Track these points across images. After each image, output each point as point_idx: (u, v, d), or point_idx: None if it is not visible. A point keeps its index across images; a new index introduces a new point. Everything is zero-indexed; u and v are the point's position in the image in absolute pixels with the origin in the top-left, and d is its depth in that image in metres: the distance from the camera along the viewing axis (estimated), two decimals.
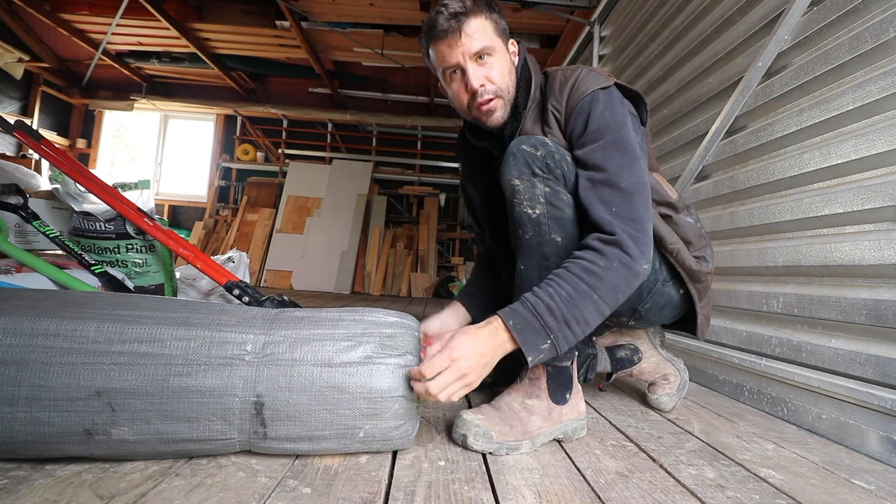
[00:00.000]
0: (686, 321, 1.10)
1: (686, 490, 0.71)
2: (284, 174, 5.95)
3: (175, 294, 1.84)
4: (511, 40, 1.00)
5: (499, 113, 0.97)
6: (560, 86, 0.95)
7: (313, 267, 5.40)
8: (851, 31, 1.10)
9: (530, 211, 0.87)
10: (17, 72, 4.87)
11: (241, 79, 5.77)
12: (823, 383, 1.04)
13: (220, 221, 5.89)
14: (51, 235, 1.53)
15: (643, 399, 1.23)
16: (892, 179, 0.96)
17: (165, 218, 5.55)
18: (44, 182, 1.90)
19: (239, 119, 6.18)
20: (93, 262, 1.55)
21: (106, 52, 5.12)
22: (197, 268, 1.72)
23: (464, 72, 0.93)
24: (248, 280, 1.97)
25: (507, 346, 0.79)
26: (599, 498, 0.67)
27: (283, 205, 5.71)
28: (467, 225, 5.95)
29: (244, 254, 2.35)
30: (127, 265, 1.69)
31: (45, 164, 4.59)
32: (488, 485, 0.69)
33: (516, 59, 1.00)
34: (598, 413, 1.11)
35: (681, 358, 1.26)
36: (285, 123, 6.21)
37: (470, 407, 1.02)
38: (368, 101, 6.00)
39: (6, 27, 4.86)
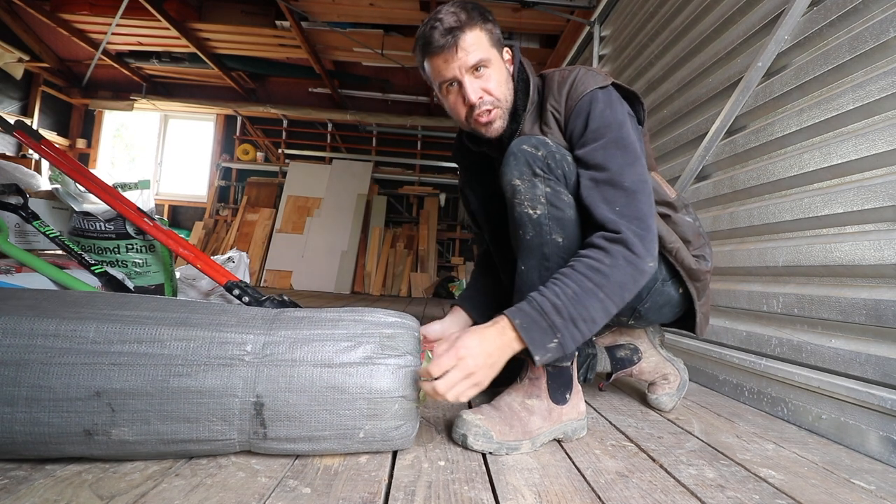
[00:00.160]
0: (685, 319, 1.10)
1: (686, 490, 0.71)
2: (284, 174, 5.95)
3: (175, 294, 1.84)
4: (505, 48, 1.00)
5: (498, 123, 0.97)
6: (558, 86, 0.95)
7: (313, 267, 5.40)
8: (851, 31, 1.10)
9: (531, 211, 0.87)
10: (17, 72, 4.87)
11: (241, 79, 5.77)
12: (823, 383, 1.04)
13: (220, 221, 5.89)
14: (51, 235, 1.53)
15: (643, 399, 1.23)
16: (892, 179, 0.96)
17: (165, 218, 5.55)
18: (44, 182, 1.90)
19: (239, 119, 6.17)
20: (93, 262, 1.55)
21: (106, 52, 5.12)
22: (197, 268, 1.72)
23: (461, 85, 0.93)
24: (248, 280, 1.97)
25: (514, 346, 0.78)
26: (599, 498, 0.67)
27: (283, 205, 5.71)
28: (467, 225, 5.95)
29: (244, 254, 2.35)
30: (127, 265, 1.69)
31: (45, 164, 4.59)
32: (488, 485, 0.69)
33: (511, 67, 1.00)
34: (598, 413, 1.11)
35: (680, 358, 1.26)
36: (285, 123, 6.20)
37: (470, 407, 1.02)
38: (368, 101, 6.00)
39: (6, 27, 4.86)
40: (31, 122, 5.28)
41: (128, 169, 6.35)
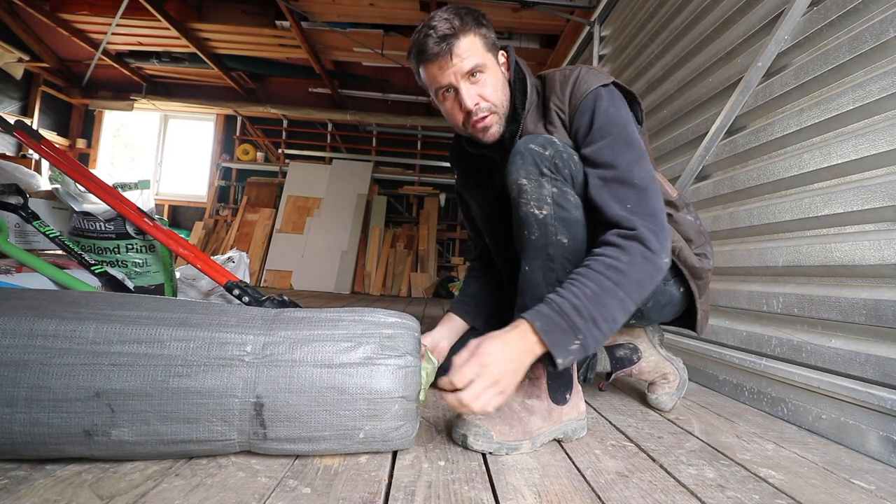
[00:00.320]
0: (685, 318, 1.10)
1: (686, 490, 0.71)
2: (284, 174, 5.95)
3: (175, 294, 1.84)
4: (501, 52, 1.00)
5: (495, 128, 0.97)
6: (561, 85, 0.95)
7: (313, 267, 5.40)
8: (851, 31, 1.10)
9: (537, 211, 0.86)
10: (17, 72, 4.87)
11: (241, 79, 5.77)
12: (823, 383, 1.04)
13: (220, 221, 5.89)
14: (51, 235, 1.53)
15: (643, 399, 1.23)
16: (892, 179, 0.95)
17: (165, 218, 5.55)
18: (44, 182, 1.90)
19: (239, 119, 6.18)
20: (93, 262, 1.55)
21: (106, 52, 5.13)
22: (197, 268, 1.72)
23: (457, 91, 0.93)
24: (248, 280, 1.97)
25: (536, 350, 0.75)
26: (599, 498, 0.67)
27: (283, 205, 5.71)
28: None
29: (244, 254, 2.35)
30: (127, 265, 1.69)
31: (45, 164, 4.59)
32: (488, 485, 0.69)
33: (507, 70, 1.00)
34: (598, 413, 1.11)
35: (680, 357, 1.26)
36: (285, 123, 6.21)
37: None
38: (368, 101, 6.00)
39: (6, 27, 4.86)
40: (31, 122, 5.28)
41: (128, 169, 6.35)
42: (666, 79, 2.03)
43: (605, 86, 0.92)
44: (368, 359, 0.73)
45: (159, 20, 4.25)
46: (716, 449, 0.91)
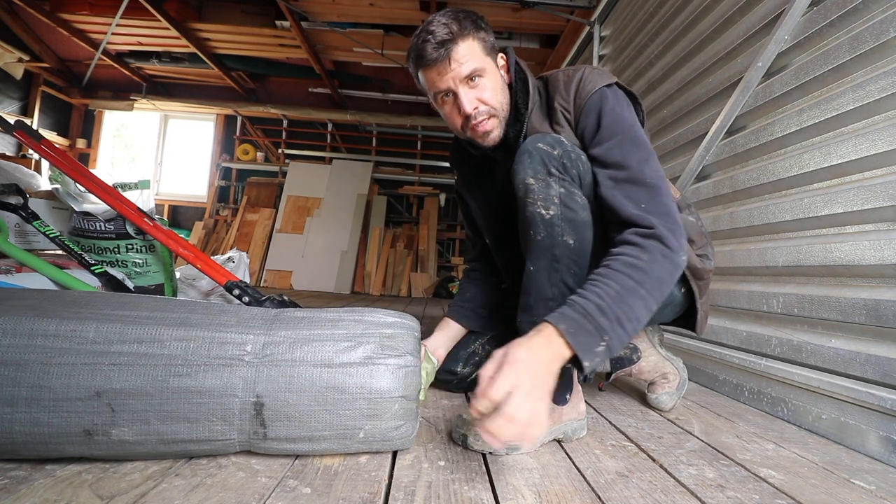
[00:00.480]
0: (685, 318, 1.10)
1: (686, 490, 0.71)
2: (284, 174, 5.95)
3: (175, 294, 1.84)
4: (500, 54, 0.99)
5: (495, 133, 0.96)
6: (565, 84, 0.94)
7: (313, 267, 5.40)
8: (851, 31, 1.10)
9: (544, 211, 0.86)
10: (17, 72, 4.87)
11: (241, 79, 5.77)
12: (823, 383, 1.04)
13: (220, 221, 5.89)
14: (51, 235, 1.53)
15: (643, 399, 1.23)
16: (892, 179, 0.96)
17: (165, 218, 5.55)
18: (44, 182, 1.90)
19: (239, 119, 6.18)
20: (93, 262, 1.55)
21: (106, 52, 5.13)
22: (197, 268, 1.72)
23: (456, 96, 0.92)
24: (248, 280, 1.97)
25: (564, 354, 0.71)
26: (599, 498, 0.67)
27: (283, 205, 5.71)
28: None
29: (244, 254, 2.35)
30: (127, 265, 1.69)
31: (45, 164, 4.59)
32: (488, 485, 0.69)
33: (507, 74, 1.00)
34: (598, 413, 1.11)
35: (680, 357, 1.26)
36: (285, 123, 6.21)
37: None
38: (368, 101, 6.00)
39: (6, 27, 4.86)
40: (31, 122, 5.28)
41: (128, 169, 6.35)
42: (666, 79, 2.03)
43: (609, 86, 0.92)
44: (368, 358, 0.73)
45: (159, 20, 4.25)
46: (716, 449, 0.91)
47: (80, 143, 5.91)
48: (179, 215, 6.13)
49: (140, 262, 1.72)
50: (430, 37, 0.89)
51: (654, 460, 0.83)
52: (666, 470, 0.79)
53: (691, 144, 1.75)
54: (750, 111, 1.44)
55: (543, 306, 0.89)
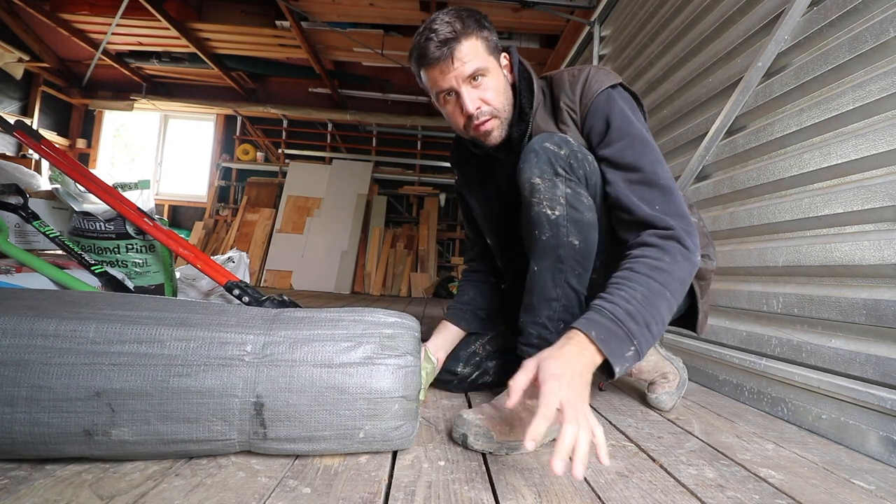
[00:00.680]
0: (685, 318, 1.10)
1: (686, 490, 0.71)
2: (284, 174, 5.95)
3: (175, 294, 1.84)
4: (503, 54, 0.99)
5: (496, 133, 0.96)
6: (571, 84, 0.94)
7: (313, 267, 5.40)
8: (851, 31, 1.10)
9: (549, 212, 0.86)
10: (17, 72, 4.87)
11: (241, 79, 5.77)
12: (823, 383, 1.04)
13: (220, 221, 5.89)
14: (51, 235, 1.53)
15: (643, 399, 1.23)
16: (892, 179, 0.96)
17: (165, 218, 5.55)
18: (44, 182, 1.90)
19: (239, 119, 6.18)
20: (93, 262, 1.55)
21: (106, 52, 5.13)
22: (197, 268, 1.72)
23: (458, 95, 0.92)
24: (248, 280, 1.97)
25: (596, 360, 0.71)
26: (599, 498, 0.67)
27: (283, 205, 5.71)
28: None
29: (244, 254, 2.35)
30: (127, 265, 1.69)
31: (45, 164, 4.59)
32: (488, 485, 0.69)
33: (510, 73, 0.99)
34: (598, 413, 1.11)
35: (680, 357, 1.26)
36: (285, 123, 6.21)
37: (470, 406, 1.02)
38: (368, 101, 6.00)
39: (6, 27, 4.86)
40: (31, 122, 5.28)
41: (128, 169, 6.35)
42: (666, 79, 2.03)
43: (614, 86, 0.92)
44: (368, 358, 0.73)
45: (159, 20, 4.25)
46: (716, 449, 0.91)
47: (80, 143, 5.91)
48: (179, 215, 6.13)
49: (140, 262, 1.72)
50: (433, 35, 0.89)
51: (654, 460, 0.83)
52: (666, 470, 0.79)
53: (691, 144, 1.75)
54: (750, 111, 1.43)
55: (546, 306, 0.89)
